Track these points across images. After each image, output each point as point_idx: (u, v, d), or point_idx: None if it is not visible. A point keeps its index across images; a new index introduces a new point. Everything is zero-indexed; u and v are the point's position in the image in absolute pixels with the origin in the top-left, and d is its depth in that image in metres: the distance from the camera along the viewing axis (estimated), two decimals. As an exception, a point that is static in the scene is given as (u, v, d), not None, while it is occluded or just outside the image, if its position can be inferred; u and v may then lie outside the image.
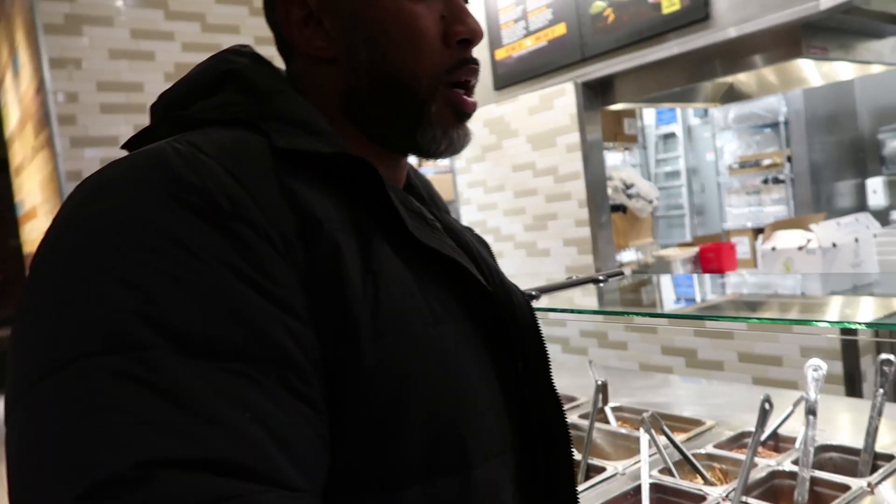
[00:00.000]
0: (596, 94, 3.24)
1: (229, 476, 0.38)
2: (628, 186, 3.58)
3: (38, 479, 0.38)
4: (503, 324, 0.60)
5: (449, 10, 0.61)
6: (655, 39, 2.82)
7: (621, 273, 1.43)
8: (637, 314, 1.28)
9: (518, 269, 3.59)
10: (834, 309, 1.58)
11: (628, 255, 3.68)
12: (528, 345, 0.62)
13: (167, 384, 0.39)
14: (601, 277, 1.30)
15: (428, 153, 0.63)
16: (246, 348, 0.42)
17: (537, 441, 0.62)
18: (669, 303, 1.76)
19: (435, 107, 0.61)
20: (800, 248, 2.63)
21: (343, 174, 0.54)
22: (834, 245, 2.57)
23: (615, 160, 4.34)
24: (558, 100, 3.27)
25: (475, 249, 0.66)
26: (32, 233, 3.87)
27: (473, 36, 0.61)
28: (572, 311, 1.30)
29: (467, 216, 3.84)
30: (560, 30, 3.17)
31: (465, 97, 0.62)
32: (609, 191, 3.40)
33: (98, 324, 0.41)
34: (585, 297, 1.67)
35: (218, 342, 0.41)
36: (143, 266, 0.42)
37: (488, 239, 3.62)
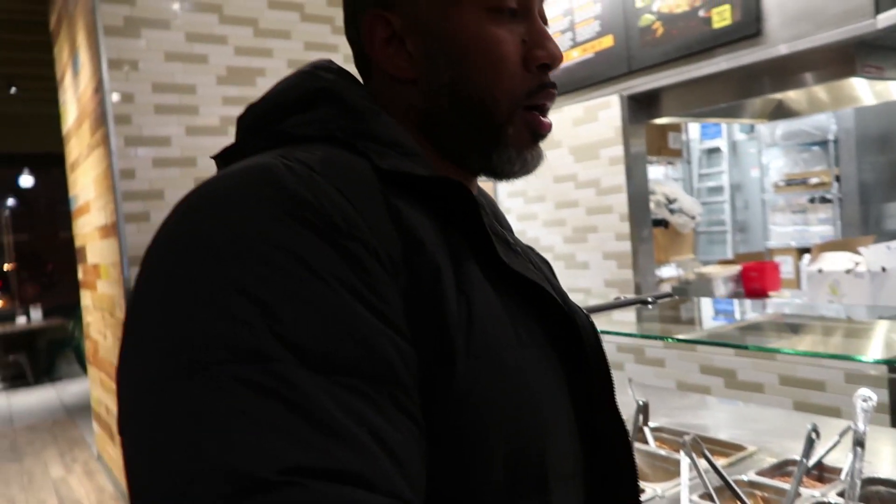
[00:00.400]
0: (641, 108, 3.22)
1: (358, 487, 0.39)
2: (671, 201, 3.54)
3: (177, 483, 0.38)
4: (577, 348, 0.61)
5: (530, 35, 0.62)
6: (704, 54, 2.79)
7: (670, 295, 1.42)
8: (684, 340, 1.27)
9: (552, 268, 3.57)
10: (880, 339, 1.54)
11: (668, 271, 3.64)
12: (595, 368, 0.63)
13: (296, 396, 0.40)
14: (650, 299, 1.29)
15: (502, 174, 0.64)
16: (361, 365, 0.43)
17: (604, 465, 0.63)
18: (712, 326, 1.74)
19: (512, 129, 0.62)
20: (847, 272, 2.57)
21: (439, 196, 0.55)
22: (883, 269, 2.51)
23: (657, 174, 4.30)
24: (603, 112, 3.25)
25: (543, 271, 0.68)
26: (84, 227, 4.00)
27: (553, 61, 0.62)
28: (617, 334, 1.30)
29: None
30: (607, 42, 3.16)
31: (541, 119, 0.63)
32: (651, 205, 3.37)
33: (226, 334, 0.41)
34: (627, 316, 1.67)
35: (337, 358, 0.42)
36: (267, 281, 0.43)
37: (528, 250, 3.61)
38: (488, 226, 0.57)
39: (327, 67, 0.62)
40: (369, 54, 0.63)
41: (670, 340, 1.36)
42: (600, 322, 1.54)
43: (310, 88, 0.59)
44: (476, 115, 0.61)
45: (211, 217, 0.46)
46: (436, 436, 0.48)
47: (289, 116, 0.58)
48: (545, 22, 0.65)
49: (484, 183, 0.72)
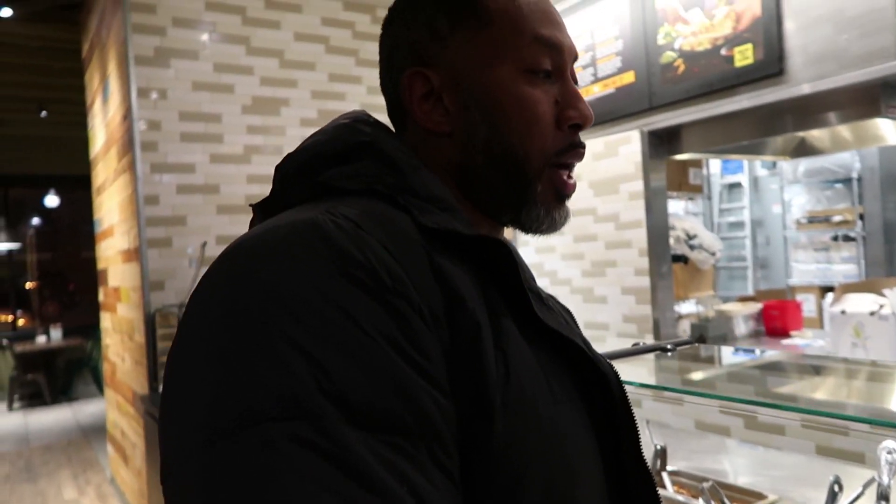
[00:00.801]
0: (662, 143, 3.22)
1: None
2: (691, 237, 3.52)
3: None
4: (606, 401, 0.62)
5: (563, 96, 0.64)
6: (726, 92, 2.79)
7: (690, 342, 1.40)
8: (705, 395, 1.26)
9: (574, 316, 3.55)
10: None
11: (688, 307, 3.60)
12: (622, 421, 0.63)
13: (340, 452, 0.41)
14: (669, 346, 1.28)
15: (530, 230, 0.66)
16: (404, 421, 0.44)
17: None
18: (732, 377, 1.72)
19: (541, 187, 0.64)
20: (871, 314, 2.53)
21: (479, 253, 0.57)
22: (909, 312, 2.46)
23: (677, 208, 4.28)
24: (623, 147, 3.26)
25: (567, 320, 0.69)
26: (108, 250, 4.06)
27: (585, 121, 0.65)
28: (637, 385, 1.29)
29: (524, 257, 3.82)
30: (628, 78, 3.18)
31: (566, 180, 0.65)
32: (671, 241, 3.35)
33: (275, 388, 0.42)
34: (647, 364, 1.65)
35: (381, 414, 0.43)
36: (316, 335, 0.44)
37: (544, 282, 3.61)
38: (525, 283, 0.58)
39: (365, 120, 0.64)
40: (407, 108, 0.65)
41: (693, 395, 1.35)
42: (620, 369, 1.52)
43: (350, 141, 0.61)
44: (509, 171, 0.63)
45: (263, 267, 0.47)
46: (472, 490, 0.49)
47: (329, 168, 0.60)
48: (576, 82, 0.67)
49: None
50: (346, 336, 0.44)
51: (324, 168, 0.60)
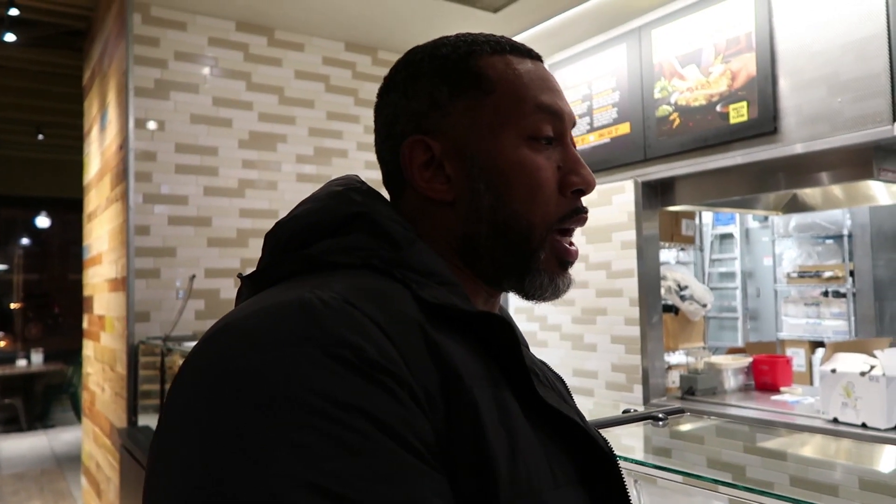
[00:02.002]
0: (655, 194, 3.24)
1: None
2: (682, 288, 3.51)
3: None
4: (606, 482, 0.60)
5: (565, 161, 0.65)
6: (720, 147, 2.83)
7: (682, 411, 1.38)
8: (698, 477, 1.24)
9: (562, 362, 3.52)
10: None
11: (677, 358, 3.58)
12: (616, 498, 0.61)
13: None
14: (661, 416, 1.26)
15: (532, 297, 0.65)
16: None
17: None
18: (726, 452, 1.69)
19: (544, 254, 0.63)
20: (862, 374, 2.51)
21: (480, 329, 0.56)
22: (899, 374, 2.45)
23: (667, 257, 4.29)
24: (617, 196, 3.27)
25: (559, 390, 0.67)
26: (94, 277, 4.01)
27: (587, 186, 0.65)
28: (627, 460, 1.27)
29: (514, 301, 3.81)
30: (624, 129, 3.22)
31: (568, 247, 0.65)
32: (662, 291, 3.35)
33: (256, 490, 0.40)
34: (637, 435, 1.64)
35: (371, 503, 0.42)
36: (300, 428, 0.42)
37: (534, 327, 3.59)
38: (526, 360, 0.57)
39: (358, 188, 0.63)
40: (407, 177, 0.64)
41: (686, 476, 1.32)
42: (609, 438, 1.49)
43: (344, 213, 0.60)
44: (512, 239, 0.63)
45: (246, 355, 0.45)
46: None
47: (321, 238, 0.59)
48: (574, 146, 0.67)
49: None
50: (332, 425, 0.42)
51: (316, 239, 0.59)
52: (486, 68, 0.64)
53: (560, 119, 0.65)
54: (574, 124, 0.68)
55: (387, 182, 0.68)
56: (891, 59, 2.27)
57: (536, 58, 0.68)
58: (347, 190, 0.62)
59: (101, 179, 3.79)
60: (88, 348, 4.30)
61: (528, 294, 0.65)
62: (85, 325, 4.45)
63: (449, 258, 0.63)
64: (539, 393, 0.56)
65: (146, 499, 0.45)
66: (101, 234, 3.78)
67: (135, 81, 3.02)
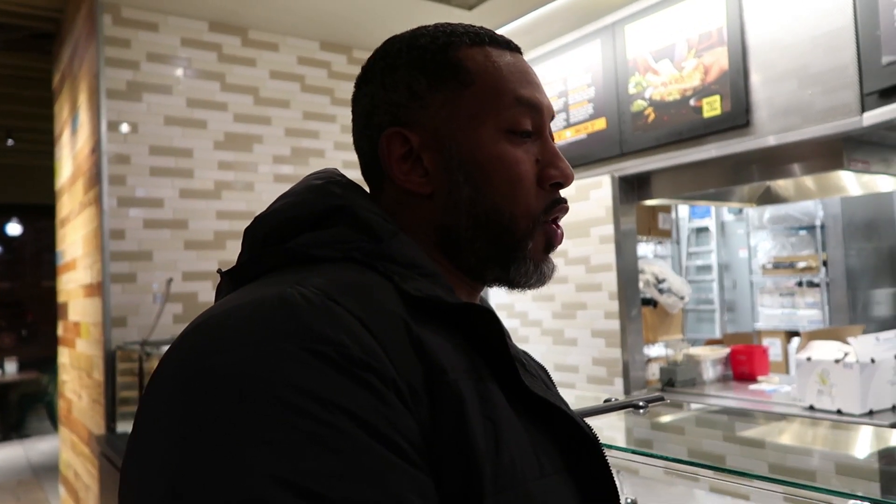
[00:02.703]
0: (632, 189, 3.27)
1: None
2: (660, 281, 3.55)
3: None
4: (592, 469, 0.60)
5: (543, 155, 0.65)
6: (694, 141, 2.86)
7: (661, 398, 1.40)
8: (678, 461, 1.26)
9: (543, 357, 3.54)
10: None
11: (657, 350, 3.61)
12: (601, 484, 0.62)
13: None
14: (641, 403, 1.27)
15: (517, 285, 0.66)
16: None
17: None
18: (705, 438, 1.71)
19: (531, 244, 0.64)
20: (836, 361, 2.56)
21: (464, 320, 0.56)
22: (872, 361, 2.50)
23: (645, 251, 4.33)
24: (594, 191, 3.30)
25: (543, 379, 0.68)
26: (69, 283, 3.95)
27: (566, 179, 0.65)
28: (610, 447, 1.28)
29: (495, 298, 3.83)
30: (600, 124, 3.24)
31: (556, 230, 0.66)
32: (640, 284, 3.38)
33: (233, 488, 0.40)
34: (619, 423, 1.66)
35: (351, 502, 0.41)
36: (279, 425, 0.41)
37: (514, 323, 3.60)
38: (511, 350, 0.57)
39: (338, 182, 0.63)
40: (385, 169, 0.64)
41: (668, 460, 1.34)
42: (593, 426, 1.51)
43: (323, 205, 0.59)
44: (495, 231, 0.63)
45: (223, 352, 0.45)
46: None
47: (301, 232, 0.58)
48: (553, 139, 0.68)
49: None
50: (311, 422, 0.42)
51: (296, 233, 0.58)
52: (466, 60, 0.63)
53: (539, 112, 0.65)
54: (553, 117, 0.68)
55: (365, 174, 0.68)
56: (858, 51, 2.32)
57: (516, 49, 0.68)
58: (327, 183, 0.62)
59: (73, 184, 3.73)
60: (64, 356, 4.24)
61: (513, 283, 0.65)
62: (60, 332, 4.38)
63: (429, 251, 0.63)
64: (525, 382, 0.56)
65: (122, 498, 0.45)
66: (74, 239, 3.72)
67: (106, 83, 2.98)
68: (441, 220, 0.63)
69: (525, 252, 0.63)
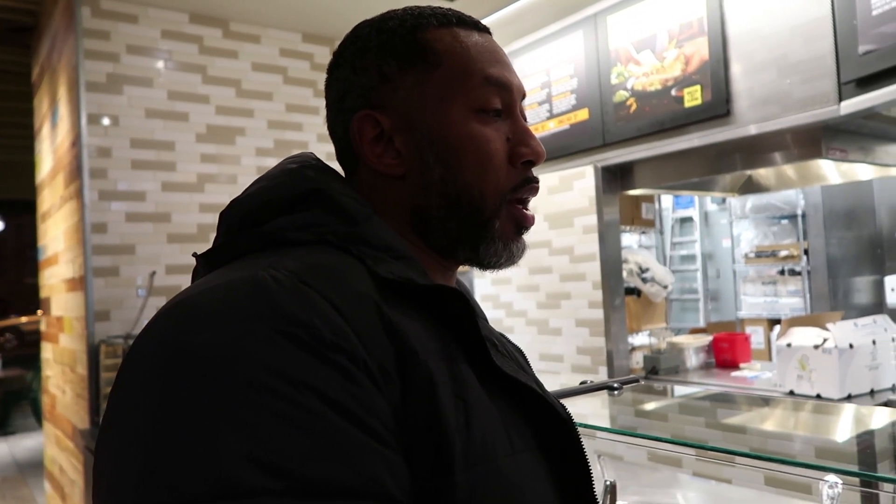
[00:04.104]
0: (615, 179, 3.29)
1: None
2: (644, 270, 3.58)
3: None
4: (562, 446, 0.61)
5: (514, 133, 0.65)
6: (676, 131, 2.88)
7: (636, 380, 1.41)
8: (650, 437, 1.28)
9: (529, 347, 3.56)
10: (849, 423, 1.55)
11: (641, 339, 3.65)
12: (577, 463, 0.63)
13: None
14: (616, 385, 1.29)
15: (488, 265, 0.66)
16: (349, 486, 0.42)
17: None
18: (679, 416, 1.73)
19: (499, 223, 0.64)
20: (816, 347, 2.59)
21: (436, 302, 0.56)
22: (851, 346, 2.54)
23: (630, 241, 4.37)
24: (578, 182, 3.31)
25: (519, 361, 0.68)
26: (51, 278, 3.92)
27: (537, 157, 0.65)
28: (584, 426, 1.29)
29: (480, 289, 3.85)
30: (583, 115, 3.25)
31: (525, 213, 0.66)
32: (624, 274, 3.41)
33: (205, 466, 0.40)
34: (594, 403, 1.67)
35: (325, 482, 0.42)
36: (251, 404, 0.42)
37: (500, 314, 3.61)
38: (483, 331, 0.58)
39: (314, 165, 0.63)
40: (358, 152, 0.65)
41: (639, 437, 1.36)
42: (569, 408, 1.53)
43: (298, 189, 0.60)
44: (465, 210, 0.63)
45: (195, 332, 0.45)
46: None
47: (276, 216, 0.58)
48: (525, 119, 0.68)
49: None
50: (282, 402, 0.42)
51: (271, 217, 0.58)
52: (434, 41, 0.64)
53: (508, 91, 0.65)
54: (523, 96, 0.69)
55: (340, 159, 0.69)
56: (836, 40, 2.34)
57: (484, 30, 0.68)
58: (302, 167, 0.62)
59: (54, 178, 3.70)
60: (47, 351, 4.21)
61: (482, 263, 0.66)
62: (42, 327, 4.34)
63: (403, 233, 0.64)
64: (496, 362, 0.57)
65: (96, 479, 0.45)
66: (56, 233, 3.69)
67: (86, 76, 2.95)
68: (413, 202, 0.64)
69: (493, 232, 0.64)
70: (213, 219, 3.30)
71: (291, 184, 0.60)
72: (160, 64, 3.16)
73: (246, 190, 0.62)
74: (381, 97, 0.64)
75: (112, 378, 2.93)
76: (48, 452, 4.34)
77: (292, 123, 3.52)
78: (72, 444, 3.40)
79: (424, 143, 0.63)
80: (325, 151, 3.57)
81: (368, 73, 0.64)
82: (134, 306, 3.00)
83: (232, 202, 0.61)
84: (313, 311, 0.47)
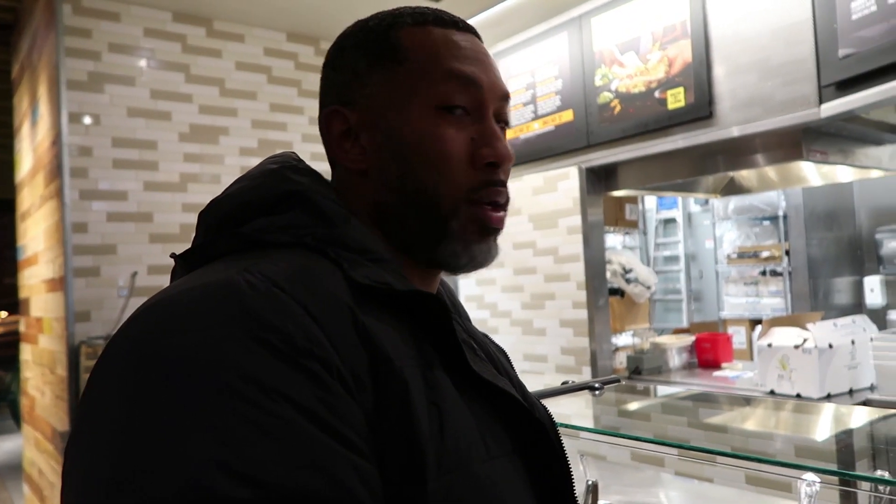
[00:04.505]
0: (599, 180, 3.30)
1: None
2: (627, 271, 3.60)
3: None
4: (543, 451, 0.61)
5: (480, 134, 0.63)
6: (660, 132, 2.90)
7: (617, 380, 1.42)
8: (630, 437, 1.29)
9: (513, 347, 3.57)
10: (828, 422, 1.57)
11: (624, 339, 3.67)
12: (556, 465, 0.63)
13: None
14: (597, 385, 1.30)
15: (449, 267, 0.65)
16: (320, 494, 0.42)
17: None
18: (659, 415, 1.75)
19: (456, 223, 0.62)
20: (796, 347, 2.62)
21: (412, 306, 0.56)
22: (830, 346, 2.57)
23: (614, 242, 4.39)
24: (562, 182, 3.33)
25: (502, 362, 0.68)
26: (31, 279, 3.87)
27: (499, 159, 0.63)
28: (565, 426, 1.30)
29: (465, 290, 3.85)
30: (567, 116, 3.27)
31: (490, 213, 0.63)
32: (608, 274, 3.42)
33: (174, 471, 0.40)
34: (576, 403, 1.68)
35: (295, 491, 0.41)
36: (222, 410, 0.41)
37: (484, 314, 3.61)
38: (459, 336, 0.57)
39: (294, 167, 0.63)
40: (326, 147, 0.65)
41: (621, 437, 1.37)
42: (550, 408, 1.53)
43: (278, 190, 0.59)
44: (421, 209, 0.62)
45: (168, 336, 0.45)
46: None
47: (254, 217, 0.58)
48: (505, 121, 0.67)
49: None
50: (254, 409, 0.42)
51: (250, 217, 0.58)
52: (403, 38, 0.63)
53: (477, 88, 0.63)
54: (504, 97, 0.66)
55: (328, 156, 0.69)
56: (816, 44, 2.37)
57: (466, 29, 0.67)
58: (283, 168, 0.62)
59: (33, 177, 3.65)
60: (26, 352, 4.15)
61: (441, 264, 0.64)
62: (21, 328, 4.29)
63: (371, 230, 0.63)
64: (473, 367, 0.56)
65: (64, 479, 0.44)
66: (36, 233, 3.64)
67: (67, 74, 2.91)
68: (375, 198, 0.63)
69: (450, 231, 0.62)
70: (196, 219, 3.29)
71: (271, 185, 0.60)
72: (143, 62, 3.13)
73: (226, 190, 0.62)
74: (350, 94, 0.64)
75: (93, 379, 2.90)
76: (27, 455, 4.28)
77: (276, 123, 3.50)
78: (51, 447, 3.36)
79: (384, 140, 0.62)
80: (310, 151, 3.56)
81: (343, 71, 0.65)
82: (115, 307, 2.97)
83: (211, 202, 0.61)
84: (287, 316, 0.46)
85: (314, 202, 0.59)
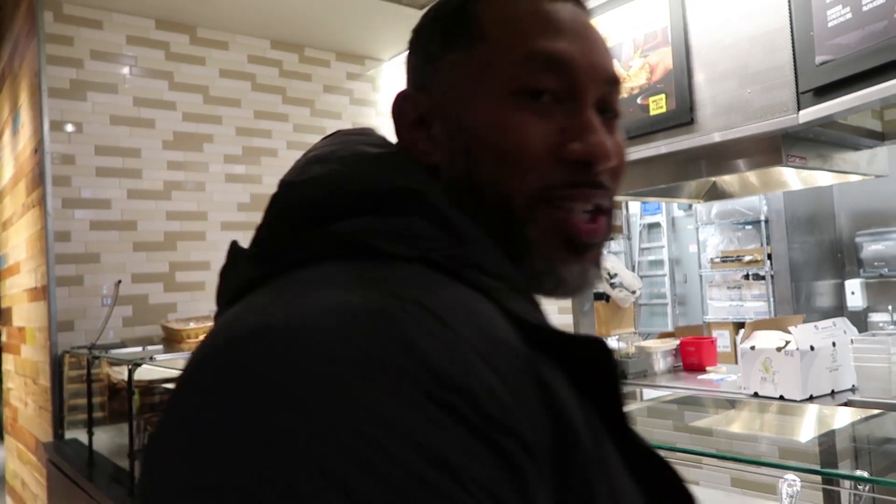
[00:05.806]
0: (583, 186, 3.32)
1: None
2: (612, 276, 3.63)
3: None
4: None
5: (571, 123, 0.50)
6: (643, 138, 2.93)
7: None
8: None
9: (500, 353, 3.57)
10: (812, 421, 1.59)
11: (610, 344, 3.68)
12: None
13: None
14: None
15: (531, 289, 0.50)
16: None
17: None
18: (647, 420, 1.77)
19: (535, 230, 0.49)
20: (778, 350, 2.65)
21: (578, 356, 0.41)
22: (812, 348, 2.60)
23: (600, 248, 4.42)
24: (547, 188, 3.34)
25: None
26: (12, 288, 3.83)
27: (590, 156, 0.49)
28: None
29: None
30: (551, 122, 3.29)
31: (577, 220, 0.50)
32: (593, 280, 3.44)
33: None
34: None
35: None
36: (392, 491, 0.30)
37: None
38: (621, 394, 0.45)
39: (408, 157, 0.53)
40: (397, 134, 0.55)
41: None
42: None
43: (389, 185, 0.47)
44: (491, 212, 0.49)
45: (311, 380, 0.32)
46: None
47: (348, 214, 0.45)
48: (615, 114, 0.55)
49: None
50: (435, 492, 0.30)
51: (345, 214, 0.45)
52: (482, 10, 0.53)
53: (569, 70, 0.50)
54: (611, 81, 0.53)
55: (398, 148, 0.59)
56: (794, 51, 2.41)
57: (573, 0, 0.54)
58: (387, 154, 0.51)
59: (15, 185, 3.62)
60: (8, 362, 4.11)
61: (528, 287, 0.50)
62: (3, 338, 4.24)
63: None
64: (637, 436, 0.44)
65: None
66: (17, 242, 3.61)
67: (49, 82, 2.90)
68: (449, 197, 0.50)
69: (530, 242, 0.49)
70: (181, 227, 3.29)
71: (376, 176, 0.48)
72: (125, 70, 3.12)
73: (302, 170, 0.50)
74: (424, 77, 0.55)
75: (77, 389, 2.87)
76: (10, 466, 4.23)
77: (261, 130, 3.50)
78: (34, 458, 3.32)
79: (453, 130, 0.52)
80: (294, 159, 3.55)
81: (419, 54, 0.56)
82: (99, 316, 2.94)
83: (287, 185, 0.49)
84: (471, 371, 0.34)
85: (438, 208, 0.46)
